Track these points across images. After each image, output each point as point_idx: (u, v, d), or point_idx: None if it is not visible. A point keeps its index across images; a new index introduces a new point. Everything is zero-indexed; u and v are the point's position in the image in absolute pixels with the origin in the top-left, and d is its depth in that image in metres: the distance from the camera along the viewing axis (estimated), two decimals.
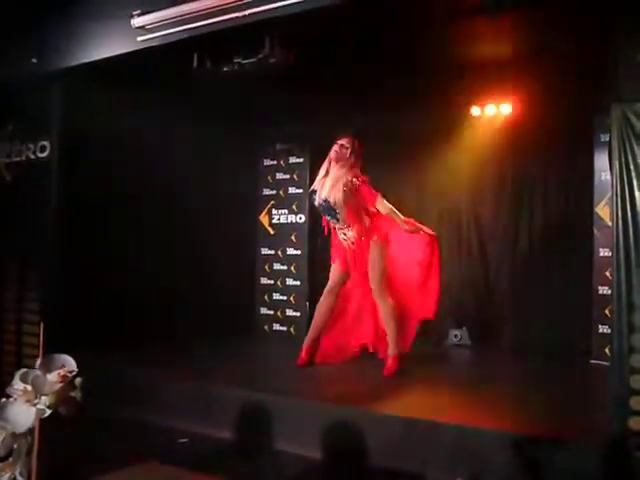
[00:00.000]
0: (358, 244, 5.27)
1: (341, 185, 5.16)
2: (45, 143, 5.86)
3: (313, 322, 5.61)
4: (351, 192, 5.15)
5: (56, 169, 5.81)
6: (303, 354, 5.49)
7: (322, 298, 5.56)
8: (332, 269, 5.52)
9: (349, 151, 5.23)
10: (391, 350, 5.28)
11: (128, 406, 4.80)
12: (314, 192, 5.36)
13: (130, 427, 4.56)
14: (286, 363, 5.60)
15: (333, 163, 5.28)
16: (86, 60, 5.34)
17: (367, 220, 5.30)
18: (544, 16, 4.57)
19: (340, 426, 4.08)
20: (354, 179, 5.16)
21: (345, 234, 5.33)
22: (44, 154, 5.86)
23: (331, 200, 5.19)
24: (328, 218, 5.36)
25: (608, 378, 3.70)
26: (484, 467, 3.57)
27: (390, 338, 5.30)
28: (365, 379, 5.24)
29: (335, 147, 5.28)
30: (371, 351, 5.59)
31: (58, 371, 2.28)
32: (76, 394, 2.31)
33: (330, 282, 5.52)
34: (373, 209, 5.27)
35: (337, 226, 5.35)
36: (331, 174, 5.27)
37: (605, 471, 3.29)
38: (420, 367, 5.52)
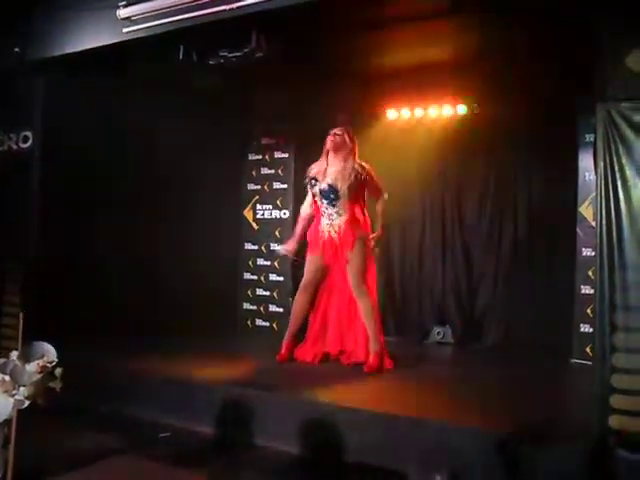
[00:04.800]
0: (342, 235, 5.23)
1: (350, 171, 5.18)
2: (28, 133, 5.79)
3: (290, 318, 5.59)
4: (361, 179, 5.21)
5: (38, 160, 5.75)
6: (283, 350, 5.48)
7: (297, 294, 5.52)
8: (307, 261, 5.45)
9: (345, 138, 5.25)
10: (372, 347, 5.26)
11: (109, 399, 4.78)
12: (313, 179, 5.31)
13: (111, 420, 4.54)
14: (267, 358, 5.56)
15: (332, 154, 5.27)
16: (70, 50, 5.29)
17: (359, 213, 5.30)
18: (530, 15, 4.58)
19: (319, 422, 4.07)
20: (363, 165, 5.24)
21: (332, 220, 5.26)
22: (26, 144, 5.79)
23: (339, 186, 5.18)
24: (324, 202, 5.28)
25: (590, 377, 3.71)
26: (464, 466, 3.57)
27: (370, 335, 5.27)
28: (344, 376, 5.19)
29: (330, 137, 5.28)
30: (347, 362, 5.44)
31: (37, 361, 2.23)
32: (56, 385, 2.27)
33: (305, 276, 5.46)
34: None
35: (328, 212, 5.28)
36: (334, 163, 5.27)
37: (586, 469, 3.31)
38: (402, 364, 5.49)
